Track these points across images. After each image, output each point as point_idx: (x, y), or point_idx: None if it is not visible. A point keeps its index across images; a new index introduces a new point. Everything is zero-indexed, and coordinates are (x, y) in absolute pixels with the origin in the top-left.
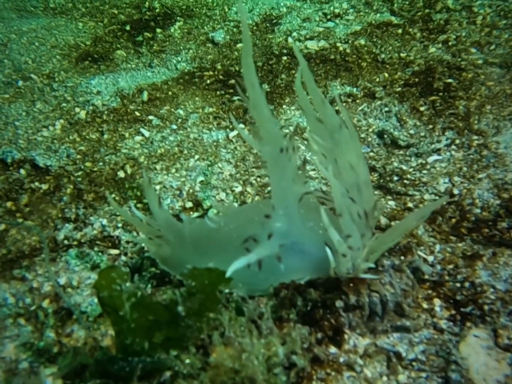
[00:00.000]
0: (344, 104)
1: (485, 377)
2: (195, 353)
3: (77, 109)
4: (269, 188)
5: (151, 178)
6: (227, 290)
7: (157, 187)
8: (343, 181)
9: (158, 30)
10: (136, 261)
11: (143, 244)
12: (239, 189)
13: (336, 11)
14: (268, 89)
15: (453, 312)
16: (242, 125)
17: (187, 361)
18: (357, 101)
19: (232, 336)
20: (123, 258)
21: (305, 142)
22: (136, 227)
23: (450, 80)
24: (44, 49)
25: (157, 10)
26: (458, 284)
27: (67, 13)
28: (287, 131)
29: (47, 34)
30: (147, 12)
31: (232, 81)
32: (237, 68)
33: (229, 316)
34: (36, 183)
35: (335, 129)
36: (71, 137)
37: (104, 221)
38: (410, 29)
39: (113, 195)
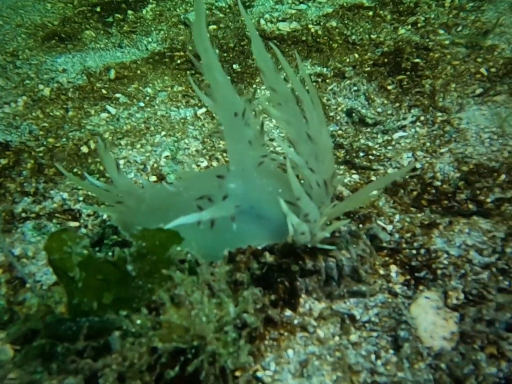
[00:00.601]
0: (314, 84)
1: (432, 334)
2: (147, 315)
3: (40, 86)
4: None
5: (106, 144)
6: (179, 248)
7: (121, 161)
8: (301, 151)
9: (130, 12)
10: (98, 231)
11: (104, 216)
12: (204, 164)
13: None
14: (239, 69)
15: (408, 277)
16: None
17: (138, 321)
18: (327, 80)
19: (182, 294)
20: (83, 230)
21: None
22: (96, 195)
23: (417, 60)
24: (9, 28)
25: None
26: (414, 251)
27: None
28: (256, 108)
29: (12, 13)
30: None
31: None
32: None
33: (181, 276)
34: None
35: (289, 97)
36: (34, 114)
37: (65, 195)
38: (381, 12)
39: (75, 170)
